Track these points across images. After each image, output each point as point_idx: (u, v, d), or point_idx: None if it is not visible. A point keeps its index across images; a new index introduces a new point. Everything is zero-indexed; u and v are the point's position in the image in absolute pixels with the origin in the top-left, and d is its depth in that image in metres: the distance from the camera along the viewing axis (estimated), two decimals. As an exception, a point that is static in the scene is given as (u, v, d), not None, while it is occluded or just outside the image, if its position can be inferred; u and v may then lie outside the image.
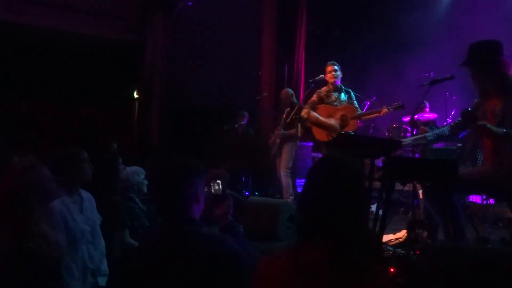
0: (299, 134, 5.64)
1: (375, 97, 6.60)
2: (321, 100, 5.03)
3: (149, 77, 8.03)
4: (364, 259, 1.21)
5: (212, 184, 1.89)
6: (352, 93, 5.15)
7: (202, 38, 8.00)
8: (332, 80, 5.03)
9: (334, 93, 5.04)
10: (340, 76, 5.09)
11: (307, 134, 6.54)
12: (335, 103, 5.00)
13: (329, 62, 5.14)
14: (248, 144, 6.21)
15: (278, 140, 5.70)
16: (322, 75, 5.36)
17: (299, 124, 5.53)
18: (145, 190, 3.46)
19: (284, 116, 5.70)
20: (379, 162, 3.43)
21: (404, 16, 7.01)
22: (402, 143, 2.89)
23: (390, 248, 3.32)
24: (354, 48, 7.64)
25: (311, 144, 7.03)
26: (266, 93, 7.13)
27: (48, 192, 2.00)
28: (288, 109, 5.73)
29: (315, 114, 4.95)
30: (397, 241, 3.60)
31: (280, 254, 1.29)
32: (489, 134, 2.61)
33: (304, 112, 4.99)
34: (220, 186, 1.93)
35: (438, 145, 5.09)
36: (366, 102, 6.49)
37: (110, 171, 3.12)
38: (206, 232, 1.68)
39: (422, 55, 6.65)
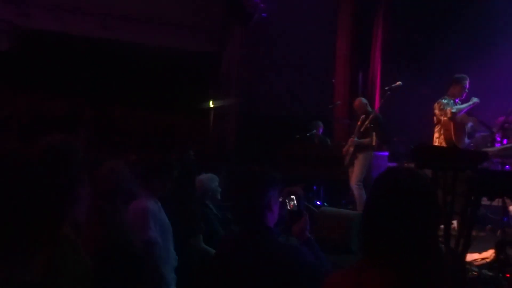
0: (373, 144, 5.46)
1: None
2: None
3: (226, 86, 8.30)
4: (435, 283, 1.11)
5: (287, 201, 1.91)
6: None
7: (277, 47, 8.10)
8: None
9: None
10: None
11: (384, 144, 6.32)
12: None
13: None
14: (322, 153, 6.14)
15: (351, 149, 5.57)
16: (399, 82, 5.16)
17: (374, 133, 5.35)
18: (219, 197, 3.56)
19: (358, 123, 5.55)
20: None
21: (489, 20, 6.52)
22: (490, 155, 2.67)
23: (475, 269, 3.07)
24: (434, 54, 7.24)
25: (387, 154, 6.76)
26: (339, 102, 7.01)
27: (130, 192, 2.14)
28: (363, 117, 5.57)
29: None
30: (483, 261, 3.32)
31: (346, 270, 1.23)
32: None
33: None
34: (295, 202, 1.93)
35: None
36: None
37: (187, 178, 3.25)
38: (282, 241, 1.71)
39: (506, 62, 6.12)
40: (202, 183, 3.48)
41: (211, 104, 8.70)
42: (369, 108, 5.81)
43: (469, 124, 4.67)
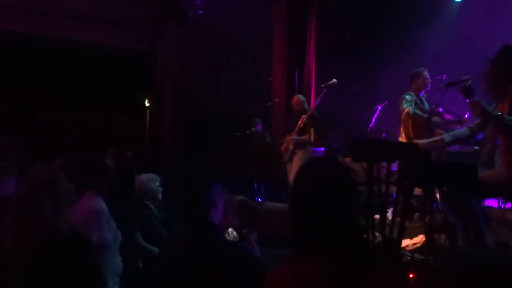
0: (311, 140, 5.62)
1: (386, 102, 6.56)
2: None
3: (161, 85, 8.10)
4: (365, 264, 1.17)
5: (227, 236, 1.90)
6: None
7: (214, 46, 8.05)
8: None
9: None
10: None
11: (320, 140, 6.53)
12: None
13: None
14: (261, 150, 6.21)
15: (291, 146, 5.69)
16: (335, 80, 5.35)
17: (312, 130, 5.51)
18: (160, 197, 3.47)
19: (300, 122, 5.67)
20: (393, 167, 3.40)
21: (413, 21, 7.01)
22: (420, 146, 2.85)
23: (408, 254, 3.27)
24: (364, 53, 7.62)
25: (323, 149, 7.00)
26: (277, 99, 7.13)
27: (68, 190, 2.03)
28: (303, 115, 5.72)
29: None
30: (414, 246, 3.56)
31: (282, 264, 1.26)
32: (483, 112, 2.60)
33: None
34: (235, 233, 1.94)
35: (454, 148, 5.03)
36: (378, 106, 6.45)
37: (125, 179, 3.14)
38: (226, 239, 1.69)
39: (433, 59, 6.62)
40: (142, 184, 3.37)
41: (146, 103, 8.44)
42: (307, 106, 5.98)
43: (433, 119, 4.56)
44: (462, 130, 3.09)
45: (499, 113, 2.64)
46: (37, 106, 8.11)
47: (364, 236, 1.29)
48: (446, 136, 3.03)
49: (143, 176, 3.45)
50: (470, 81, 2.95)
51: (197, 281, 1.52)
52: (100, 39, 7.99)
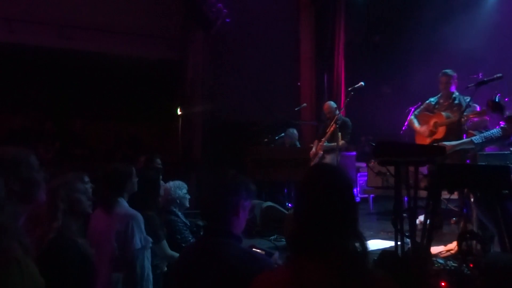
0: (340, 145, 5.55)
1: (420, 103, 6.37)
2: (427, 108, 4.85)
3: (191, 93, 8.24)
4: (364, 268, 1.20)
5: None
6: (462, 100, 4.65)
7: (242, 53, 8.12)
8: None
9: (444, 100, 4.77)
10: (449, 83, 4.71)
11: (351, 144, 6.43)
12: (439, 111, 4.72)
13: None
14: (290, 155, 6.18)
15: (321, 152, 5.65)
16: (362, 83, 5.26)
17: (340, 135, 5.44)
18: (187, 204, 3.51)
19: (330, 128, 5.61)
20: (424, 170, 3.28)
21: (445, 19, 6.79)
22: (447, 149, 2.75)
23: (441, 261, 3.15)
24: (394, 54, 7.46)
25: (355, 153, 6.88)
26: (305, 104, 7.08)
27: (82, 202, 2.12)
28: (331, 120, 5.67)
29: (412, 121, 4.88)
30: (448, 253, 3.42)
31: (277, 270, 1.29)
32: None
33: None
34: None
35: (490, 150, 4.81)
36: (411, 108, 6.27)
37: (150, 186, 3.20)
38: (242, 247, 1.69)
39: (467, 58, 6.38)
40: (169, 191, 3.42)
41: (178, 112, 8.61)
42: (337, 112, 5.91)
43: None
44: (494, 131, 2.95)
45: None
46: (74, 118, 8.48)
47: (364, 242, 1.27)
48: (477, 138, 2.91)
49: (171, 184, 3.50)
50: (498, 95, 2.82)
51: (207, 285, 1.52)
52: (132, 51, 8.26)
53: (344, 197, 1.24)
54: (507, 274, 2.08)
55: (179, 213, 3.48)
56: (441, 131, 4.54)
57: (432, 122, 4.68)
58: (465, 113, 3.88)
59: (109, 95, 8.35)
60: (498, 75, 2.96)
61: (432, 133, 4.63)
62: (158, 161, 4.97)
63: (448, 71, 4.73)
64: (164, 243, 3.01)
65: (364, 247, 1.24)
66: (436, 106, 4.75)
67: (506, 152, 4.52)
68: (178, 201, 3.47)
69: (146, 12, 8.15)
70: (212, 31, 7.91)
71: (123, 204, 2.66)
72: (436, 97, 4.82)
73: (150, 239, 2.62)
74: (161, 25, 8.29)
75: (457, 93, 4.69)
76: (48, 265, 1.71)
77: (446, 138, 4.27)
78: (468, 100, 4.20)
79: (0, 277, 1.13)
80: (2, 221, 1.20)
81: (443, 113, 4.59)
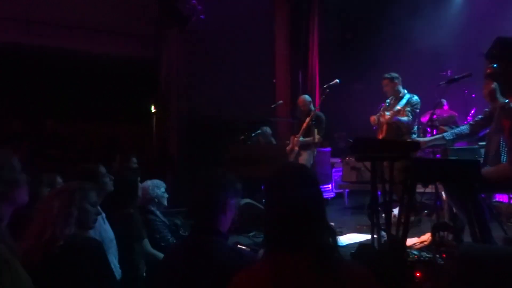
0: (316, 141, 5.62)
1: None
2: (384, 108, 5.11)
3: (165, 91, 8.14)
4: (338, 259, 1.27)
5: None
6: (405, 99, 4.97)
7: (217, 50, 8.09)
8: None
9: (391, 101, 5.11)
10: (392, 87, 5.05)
11: (326, 139, 6.52)
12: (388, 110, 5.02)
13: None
14: (267, 153, 6.22)
15: (296, 148, 5.70)
16: (337, 80, 5.35)
17: (316, 131, 5.51)
18: (165, 203, 3.50)
19: (304, 123, 5.67)
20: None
21: (415, 17, 6.99)
22: (421, 144, 2.85)
23: (415, 252, 3.25)
24: (367, 51, 7.60)
25: (330, 149, 6.99)
26: (281, 101, 7.13)
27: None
28: (309, 117, 5.73)
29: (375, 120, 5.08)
30: (421, 244, 3.53)
31: (255, 266, 1.31)
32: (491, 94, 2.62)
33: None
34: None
35: (459, 145, 5.00)
36: (382, 104, 6.42)
37: (127, 185, 3.17)
38: (229, 244, 1.70)
39: (437, 55, 6.59)
40: (147, 190, 3.40)
41: (152, 110, 8.50)
42: (312, 107, 5.98)
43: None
44: (463, 128, 3.08)
45: (506, 101, 2.61)
46: (44, 117, 8.23)
47: (334, 234, 1.34)
48: (448, 134, 3.02)
49: (148, 183, 3.48)
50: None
51: (193, 283, 1.53)
52: (104, 48, 8.07)
53: (311, 193, 1.31)
54: (479, 263, 2.18)
55: (158, 212, 3.46)
56: (383, 130, 4.90)
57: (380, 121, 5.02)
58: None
59: (82, 93, 8.14)
60: (467, 73, 3.08)
61: (380, 131, 4.97)
62: (134, 160, 4.91)
63: (387, 75, 5.09)
64: (146, 241, 2.99)
65: (334, 239, 1.31)
66: (388, 107, 5.07)
67: (474, 147, 4.74)
68: (156, 200, 3.45)
69: (119, 8, 7.98)
70: (187, 27, 7.83)
71: None
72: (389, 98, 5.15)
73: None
74: (134, 22, 8.13)
75: (404, 92, 4.99)
76: (63, 266, 1.71)
77: (388, 135, 4.78)
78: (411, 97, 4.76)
79: None
80: None
81: (387, 113, 4.94)
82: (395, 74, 5.05)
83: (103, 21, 7.95)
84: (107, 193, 2.77)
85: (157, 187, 3.44)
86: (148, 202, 3.38)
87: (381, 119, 4.95)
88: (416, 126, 4.96)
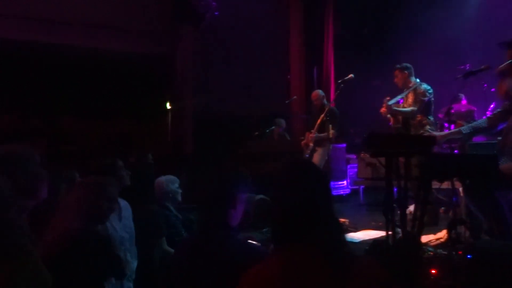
0: (330, 136, 5.58)
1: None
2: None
3: (181, 88, 8.20)
4: (349, 254, 1.26)
5: None
6: (412, 88, 4.80)
7: (231, 46, 8.10)
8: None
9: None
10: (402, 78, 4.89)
11: (340, 135, 6.48)
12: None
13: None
14: (281, 149, 6.21)
15: (311, 144, 5.66)
16: (352, 75, 5.29)
17: (330, 126, 5.47)
18: (179, 198, 3.52)
19: (319, 119, 5.63)
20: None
21: (432, 10, 6.86)
22: (437, 138, 2.79)
23: (431, 249, 3.21)
24: (382, 46, 7.51)
25: (345, 145, 6.93)
26: (295, 97, 7.10)
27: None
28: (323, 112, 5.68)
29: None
30: (438, 241, 3.48)
31: (265, 262, 1.31)
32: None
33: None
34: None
35: (478, 139, 4.89)
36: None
37: (145, 181, 3.20)
38: (240, 239, 1.70)
39: (456, 48, 6.45)
40: (161, 185, 3.42)
41: (168, 106, 8.57)
42: (325, 101, 5.93)
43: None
44: (480, 121, 3.01)
45: None
46: (62, 114, 8.37)
47: (343, 230, 1.34)
48: (465, 128, 2.96)
49: (163, 178, 3.50)
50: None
51: (208, 282, 1.54)
52: (119, 46, 8.17)
53: (318, 189, 1.31)
54: (496, 261, 2.13)
55: (172, 208, 3.48)
56: (399, 120, 4.78)
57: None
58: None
59: (98, 91, 8.25)
60: (485, 66, 3.01)
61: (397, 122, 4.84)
62: (150, 156, 4.97)
63: (398, 65, 4.92)
64: (164, 239, 3.03)
65: (343, 235, 1.32)
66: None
67: (493, 142, 4.62)
68: (170, 195, 3.47)
69: (134, 5, 8.05)
70: (201, 25, 7.86)
71: None
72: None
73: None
74: (149, 19, 8.19)
75: (416, 82, 4.80)
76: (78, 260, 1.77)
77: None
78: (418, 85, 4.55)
79: (14, 272, 1.16)
80: (12, 218, 1.21)
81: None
82: (406, 64, 4.88)
83: (118, 18, 8.04)
84: (124, 188, 2.81)
85: (171, 183, 3.45)
86: (162, 197, 3.40)
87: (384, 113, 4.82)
88: (433, 119, 4.80)
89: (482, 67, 3.04)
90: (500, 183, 2.64)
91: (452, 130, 3.08)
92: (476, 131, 2.99)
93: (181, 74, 8.31)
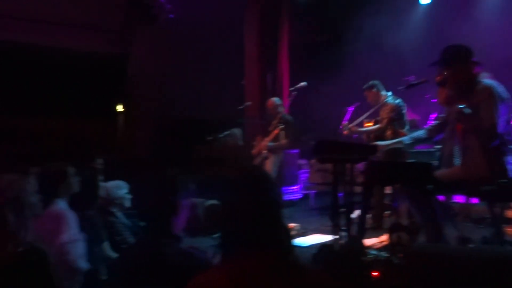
0: (283, 145, 5.68)
1: (358, 103, 6.66)
2: None
3: (133, 90, 8.02)
4: (296, 262, 1.28)
5: None
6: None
7: (186, 49, 8.03)
8: None
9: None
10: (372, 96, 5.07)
11: (294, 144, 6.59)
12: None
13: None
14: (234, 154, 6.22)
15: (264, 152, 5.72)
16: (304, 83, 5.42)
17: (283, 134, 5.56)
18: (128, 204, 3.44)
19: (275, 130, 5.69)
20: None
21: (384, 22, 7.17)
22: (379, 148, 2.94)
23: (374, 252, 3.34)
24: (336, 55, 7.74)
25: (297, 151, 7.07)
26: (250, 102, 7.15)
27: (32, 204, 2.03)
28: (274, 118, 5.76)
29: None
30: (381, 244, 3.63)
31: (214, 269, 1.31)
32: (465, 117, 2.69)
33: None
34: None
35: (419, 148, 5.16)
36: (349, 108, 6.54)
37: (88, 187, 3.12)
38: (182, 246, 1.69)
39: (403, 60, 6.78)
40: (108, 191, 3.34)
41: (119, 109, 8.34)
42: (281, 109, 6.01)
43: None
44: (420, 132, 3.20)
45: (460, 106, 2.72)
46: (6, 114, 7.91)
47: (290, 236, 1.37)
48: (406, 139, 3.14)
49: (110, 184, 3.42)
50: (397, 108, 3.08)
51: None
52: (71, 43, 7.85)
53: (268, 196, 1.32)
54: (431, 262, 2.26)
55: (118, 214, 3.40)
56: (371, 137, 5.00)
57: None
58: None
59: (46, 90, 7.88)
60: (423, 79, 3.21)
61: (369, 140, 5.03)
62: (100, 160, 4.81)
63: (365, 86, 5.11)
64: (106, 244, 2.95)
65: (291, 241, 1.33)
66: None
67: (432, 150, 4.91)
68: (117, 201, 3.39)
69: (87, 2, 7.79)
70: (155, 25, 7.74)
71: (59, 205, 2.59)
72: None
73: (83, 236, 2.59)
74: (103, 17, 7.95)
75: (387, 95, 4.99)
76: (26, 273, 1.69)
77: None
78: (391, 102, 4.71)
79: None
80: None
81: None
82: (372, 83, 5.02)
83: (69, 14, 7.74)
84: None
85: (119, 188, 3.38)
86: (108, 203, 3.32)
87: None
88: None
89: (421, 80, 3.23)
90: (437, 189, 2.81)
91: (394, 140, 3.25)
92: (416, 141, 3.18)
93: (133, 75, 8.13)
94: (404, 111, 4.87)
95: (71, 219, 2.57)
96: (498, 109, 2.69)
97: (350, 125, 4.96)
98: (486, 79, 2.88)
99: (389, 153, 3.81)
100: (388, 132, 4.76)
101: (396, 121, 4.65)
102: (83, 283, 2.53)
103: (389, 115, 4.74)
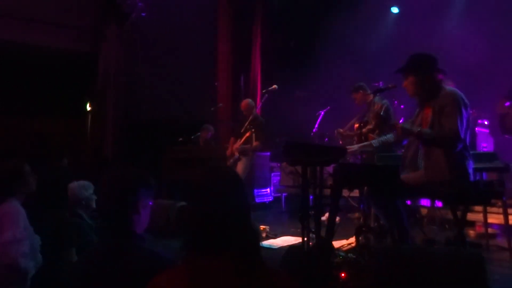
0: (254, 148, 5.70)
1: (329, 107, 6.77)
2: None
3: (103, 88, 7.84)
4: (260, 263, 1.27)
5: None
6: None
7: (158, 49, 7.93)
8: None
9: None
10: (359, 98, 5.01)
11: (265, 146, 6.62)
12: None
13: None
14: (205, 155, 6.18)
15: (237, 154, 5.72)
16: (275, 86, 5.45)
17: (254, 136, 5.58)
18: (94, 205, 3.35)
19: (248, 133, 5.70)
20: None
21: (355, 28, 7.32)
22: (349, 150, 2.98)
23: (342, 254, 3.39)
24: (308, 59, 7.83)
25: (269, 154, 7.10)
26: (221, 104, 7.14)
27: None
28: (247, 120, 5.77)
29: None
30: (349, 246, 3.70)
31: (174, 270, 1.30)
32: (405, 132, 2.78)
33: None
34: None
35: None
36: (321, 112, 6.63)
37: (57, 187, 3.02)
38: (145, 247, 1.65)
39: (372, 65, 6.93)
40: (73, 192, 3.23)
41: (88, 108, 8.14)
42: (253, 111, 6.03)
43: None
44: (388, 136, 3.28)
45: (419, 129, 2.81)
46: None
47: (257, 238, 1.36)
48: (375, 142, 3.21)
49: (75, 184, 3.31)
50: (384, 107, 3.14)
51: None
52: (39, 40, 7.61)
53: (234, 197, 1.31)
54: (395, 262, 2.32)
55: (84, 215, 3.31)
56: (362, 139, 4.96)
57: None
58: None
59: (12, 87, 7.60)
60: (392, 84, 3.29)
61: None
62: (65, 160, 4.68)
63: (351, 88, 5.06)
64: (73, 249, 2.86)
65: (257, 243, 1.31)
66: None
67: (399, 154, 5.03)
68: (83, 202, 3.29)
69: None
70: (127, 24, 7.61)
71: (12, 203, 2.49)
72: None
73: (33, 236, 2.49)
74: (73, 14, 7.74)
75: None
76: None
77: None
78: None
79: None
80: None
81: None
82: (358, 84, 4.99)
83: (38, 10, 7.50)
84: (30, 193, 2.64)
85: (84, 189, 3.27)
86: (74, 204, 3.22)
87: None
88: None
89: (389, 85, 3.31)
90: (401, 192, 2.89)
91: (364, 143, 3.32)
92: (385, 144, 3.25)
93: (103, 74, 7.95)
94: (391, 110, 4.94)
95: (20, 218, 2.45)
96: (462, 113, 2.78)
97: (341, 130, 4.95)
98: (449, 87, 2.98)
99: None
100: (376, 132, 4.83)
101: (384, 119, 4.73)
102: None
103: (378, 113, 4.80)
